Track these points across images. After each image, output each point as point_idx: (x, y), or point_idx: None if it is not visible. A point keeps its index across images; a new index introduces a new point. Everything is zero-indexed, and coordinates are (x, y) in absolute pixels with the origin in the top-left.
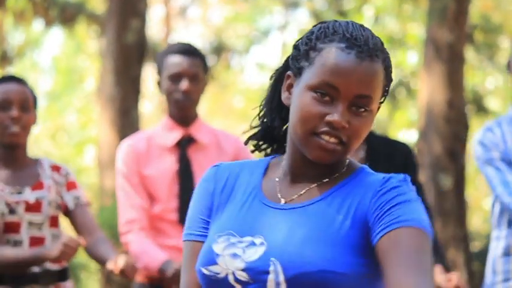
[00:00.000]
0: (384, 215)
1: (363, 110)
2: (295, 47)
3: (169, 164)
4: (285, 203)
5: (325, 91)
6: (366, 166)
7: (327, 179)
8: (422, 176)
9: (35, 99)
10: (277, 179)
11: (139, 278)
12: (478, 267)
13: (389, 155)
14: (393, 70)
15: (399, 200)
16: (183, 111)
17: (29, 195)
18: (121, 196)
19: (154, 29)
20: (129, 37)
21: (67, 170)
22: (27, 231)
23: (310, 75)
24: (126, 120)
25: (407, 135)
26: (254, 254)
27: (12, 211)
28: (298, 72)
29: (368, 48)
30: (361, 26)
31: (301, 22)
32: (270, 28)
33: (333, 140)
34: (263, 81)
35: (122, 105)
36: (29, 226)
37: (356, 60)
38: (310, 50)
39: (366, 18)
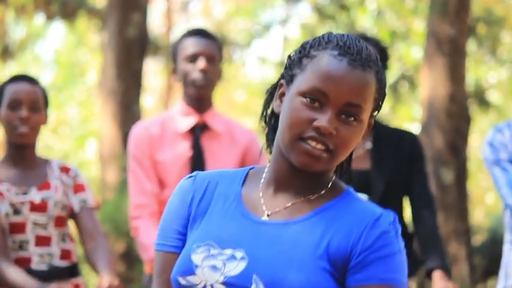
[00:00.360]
0: (368, 265)
1: (352, 119)
2: (289, 56)
3: (182, 149)
4: (268, 216)
5: (314, 97)
6: (351, 188)
7: (311, 196)
8: None
9: (46, 99)
10: (260, 190)
11: (148, 270)
12: (480, 261)
13: (395, 145)
14: (395, 64)
15: (385, 253)
16: (200, 90)
17: (35, 195)
18: (132, 180)
19: (156, 23)
20: (130, 31)
21: (76, 171)
22: (32, 230)
23: (301, 81)
24: (128, 114)
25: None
26: (235, 269)
27: (16, 211)
28: (290, 80)
29: (361, 57)
30: (357, 38)
31: (303, 16)
32: (272, 22)
33: (319, 146)
34: (264, 75)
35: (124, 99)
36: (34, 226)
37: (348, 67)
38: (303, 57)
39: (368, 12)
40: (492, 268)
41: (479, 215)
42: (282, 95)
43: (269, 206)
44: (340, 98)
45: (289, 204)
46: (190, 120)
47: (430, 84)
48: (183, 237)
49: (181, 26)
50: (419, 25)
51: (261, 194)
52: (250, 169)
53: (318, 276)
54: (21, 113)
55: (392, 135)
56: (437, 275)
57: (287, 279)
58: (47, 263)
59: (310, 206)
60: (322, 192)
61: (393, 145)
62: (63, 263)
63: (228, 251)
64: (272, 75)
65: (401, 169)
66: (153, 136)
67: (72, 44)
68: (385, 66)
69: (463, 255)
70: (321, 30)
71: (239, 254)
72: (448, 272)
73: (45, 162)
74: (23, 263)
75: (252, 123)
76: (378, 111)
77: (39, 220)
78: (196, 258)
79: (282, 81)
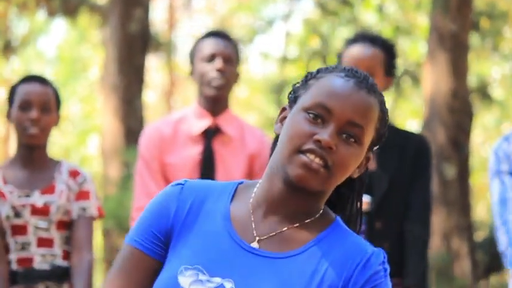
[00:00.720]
0: None
1: (353, 140)
2: (293, 85)
3: (193, 153)
4: (258, 242)
5: (318, 113)
6: (338, 218)
7: (302, 223)
8: None
9: (58, 99)
10: (250, 209)
11: None
12: (482, 257)
13: (400, 146)
14: (398, 60)
15: None
16: (216, 90)
17: (37, 198)
18: (138, 181)
19: (159, 19)
20: (132, 26)
21: (85, 177)
22: (34, 233)
23: (305, 99)
24: (130, 109)
25: (412, 124)
26: None
27: (17, 214)
28: (294, 101)
29: (367, 82)
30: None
31: (306, 12)
32: (274, 18)
33: (317, 160)
34: (267, 71)
35: (126, 94)
36: (35, 229)
37: (354, 87)
38: (310, 79)
39: (371, 7)
40: (494, 264)
41: (481, 211)
42: (284, 118)
43: (259, 229)
44: (343, 115)
45: (280, 230)
46: (203, 123)
47: (433, 79)
48: (159, 243)
49: (184, 22)
50: (423, 20)
51: (251, 217)
52: (239, 184)
53: None
54: (32, 114)
55: (398, 136)
56: None
57: None
58: (49, 263)
59: (302, 237)
60: (313, 219)
61: (398, 146)
62: (66, 263)
63: (217, 280)
64: (274, 71)
65: (405, 170)
66: (164, 137)
67: (74, 40)
68: (392, 65)
69: (465, 251)
70: (324, 26)
71: (228, 284)
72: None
73: (56, 164)
74: (26, 263)
75: (254, 119)
76: (377, 146)
77: (41, 224)
78: (184, 281)
79: (285, 105)
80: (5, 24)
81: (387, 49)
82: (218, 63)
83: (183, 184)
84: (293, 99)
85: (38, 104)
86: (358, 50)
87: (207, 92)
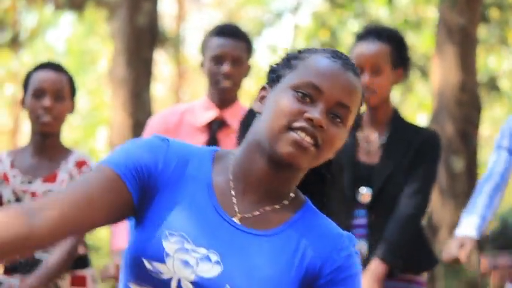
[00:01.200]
0: (337, 284)
1: (338, 120)
2: (272, 65)
3: (196, 142)
4: (240, 219)
5: (307, 92)
6: (308, 199)
7: (279, 202)
8: None
9: (72, 87)
10: (230, 183)
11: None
12: (490, 250)
13: (408, 141)
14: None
15: (351, 273)
16: (222, 93)
17: (39, 186)
18: None
19: (168, 12)
20: (140, 19)
21: (92, 167)
22: None
23: (292, 77)
24: (138, 102)
25: (420, 118)
26: (208, 271)
27: (18, 199)
28: (276, 80)
29: (352, 64)
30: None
31: (314, 4)
32: (283, 11)
33: (308, 138)
34: None
35: (134, 87)
36: None
37: (342, 68)
38: (292, 59)
39: (381, 0)
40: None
41: None
42: (263, 97)
43: (239, 205)
44: (333, 96)
45: (261, 209)
46: (209, 115)
47: (441, 73)
48: (137, 180)
49: (192, 15)
50: (432, 13)
51: (232, 192)
52: (214, 151)
53: None
54: (45, 102)
55: (407, 131)
56: (372, 264)
57: None
58: (50, 253)
59: (279, 217)
60: (289, 200)
61: (406, 140)
62: None
63: (202, 250)
64: None
65: (406, 164)
66: (169, 126)
67: (83, 33)
68: (402, 56)
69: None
70: (333, 19)
71: (213, 256)
72: (389, 264)
73: (66, 153)
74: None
75: None
76: (354, 128)
77: None
78: (169, 247)
79: (264, 85)
80: (13, 18)
81: (394, 41)
82: (225, 67)
83: (168, 142)
84: (275, 78)
85: (51, 91)
86: (362, 48)
87: (214, 92)
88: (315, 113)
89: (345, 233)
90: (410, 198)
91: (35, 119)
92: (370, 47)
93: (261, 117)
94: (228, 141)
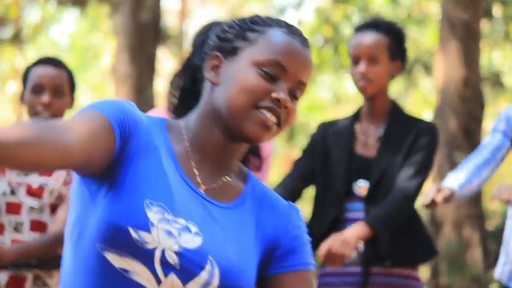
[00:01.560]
0: (293, 253)
1: (295, 98)
2: (218, 33)
3: None
4: (205, 190)
5: (271, 70)
6: (249, 170)
7: (231, 174)
8: (438, 154)
9: (72, 83)
10: (189, 154)
11: None
12: (494, 246)
13: (405, 133)
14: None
15: (303, 241)
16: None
17: (34, 179)
18: None
19: (171, 8)
20: (143, 15)
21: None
22: (28, 214)
23: (255, 53)
24: (141, 98)
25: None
26: (190, 242)
27: (13, 192)
28: (233, 52)
29: (306, 40)
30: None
31: (317, 0)
32: (286, 6)
33: (273, 119)
34: None
35: (137, 83)
36: (29, 209)
37: (301, 46)
38: (246, 31)
39: None
40: None
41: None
42: (216, 67)
43: (201, 176)
44: (296, 74)
45: (218, 181)
46: None
47: (444, 68)
48: (118, 131)
49: (195, 11)
50: (435, 9)
51: (192, 162)
52: (164, 120)
53: (254, 269)
54: (44, 98)
55: (406, 123)
56: (356, 224)
57: (242, 271)
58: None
59: (233, 189)
60: (236, 172)
61: (403, 132)
62: (58, 251)
63: (182, 221)
64: None
65: (403, 156)
66: None
67: (86, 29)
68: (400, 48)
69: (477, 240)
70: (336, 14)
71: (193, 228)
72: (372, 229)
73: None
74: None
75: None
76: (352, 121)
77: (34, 205)
78: (153, 216)
79: (215, 53)
80: (16, 13)
81: (392, 33)
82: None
83: (135, 106)
84: (230, 49)
85: (50, 87)
86: (360, 38)
87: None
88: (281, 93)
89: (289, 202)
90: (404, 183)
91: (33, 114)
92: (367, 38)
93: (219, 89)
94: None
